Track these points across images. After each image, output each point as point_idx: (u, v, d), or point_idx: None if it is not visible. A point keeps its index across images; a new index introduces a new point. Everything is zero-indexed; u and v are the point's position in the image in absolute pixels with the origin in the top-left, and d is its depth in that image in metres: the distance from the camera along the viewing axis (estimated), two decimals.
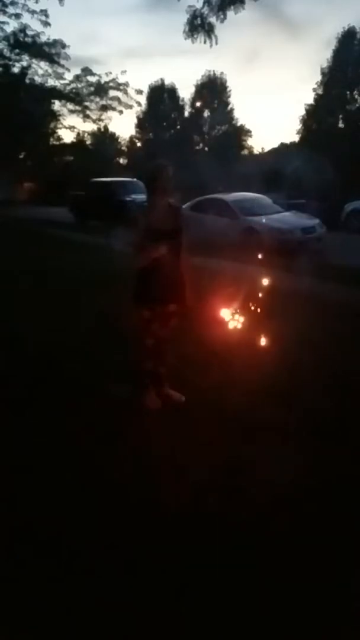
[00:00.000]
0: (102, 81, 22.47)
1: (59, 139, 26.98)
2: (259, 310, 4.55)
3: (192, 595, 2.00)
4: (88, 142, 31.11)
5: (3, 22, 20.34)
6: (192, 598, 1.99)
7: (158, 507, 2.49)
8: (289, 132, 42.73)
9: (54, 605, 1.96)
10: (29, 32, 20.55)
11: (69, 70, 22.27)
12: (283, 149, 29.59)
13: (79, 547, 2.24)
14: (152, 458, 2.91)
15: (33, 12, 19.89)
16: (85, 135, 28.87)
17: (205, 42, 8.34)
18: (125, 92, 22.58)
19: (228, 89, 36.50)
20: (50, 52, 21.45)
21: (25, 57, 21.36)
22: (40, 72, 21.98)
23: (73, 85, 22.71)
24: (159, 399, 3.52)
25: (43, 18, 20.14)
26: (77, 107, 22.97)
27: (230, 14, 7.99)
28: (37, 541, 2.28)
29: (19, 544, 2.28)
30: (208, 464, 2.84)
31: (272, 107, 53.73)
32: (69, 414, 3.41)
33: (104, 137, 33.17)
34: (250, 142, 38.56)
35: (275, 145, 33.58)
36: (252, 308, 4.59)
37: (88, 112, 23.06)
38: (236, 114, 36.92)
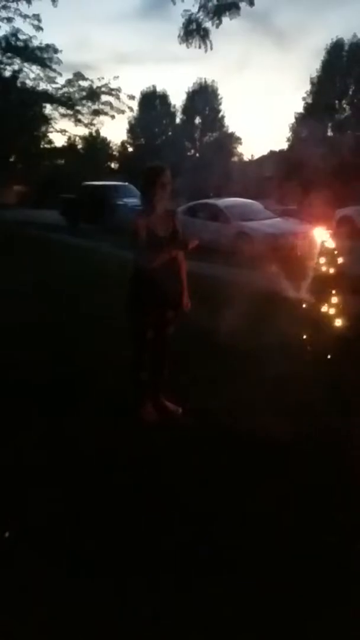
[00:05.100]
0: (94, 86, 22.50)
1: (50, 142, 26.87)
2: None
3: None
4: (79, 146, 31.07)
5: None
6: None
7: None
8: (278, 139, 43.37)
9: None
10: (21, 37, 20.50)
11: (60, 74, 22.25)
12: (273, 156, 29.87)
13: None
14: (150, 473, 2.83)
15: (25, 16, 19.87)
16: (77, 139, 28.83)
17: (200, 47, 8.38)
18: (117, 97, 22.57)
19: (219, 97, 36.90)
20: (42, 56, 21.42)
21: (17, 61, 21.32)
22: (32, 76, 21.94)
23: (65, 89, 22.70)
24: (155, 411, 3.38)
25: (35, 22, 20.12)
26: (69, 111, 22.90)
27: (222, 23, 8.06)
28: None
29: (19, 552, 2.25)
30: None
31: (262, 115, 54.30)
32: (62, 425, 3.29)
33: (96, 142, 33.14)
34: (240, 149, 38.92)
35: (265, 152, 33.89)
36: None
37: (80, 116, 22.99)
38: (226, 121, 37.36)
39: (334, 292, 4.57)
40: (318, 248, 4.62)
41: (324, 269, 4.56)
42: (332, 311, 4.60)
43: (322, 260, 4.55)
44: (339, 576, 2.10)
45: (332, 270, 4.53)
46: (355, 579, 2.09)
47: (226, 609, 1.94)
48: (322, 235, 4.66)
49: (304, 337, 4.57)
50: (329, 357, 4.30)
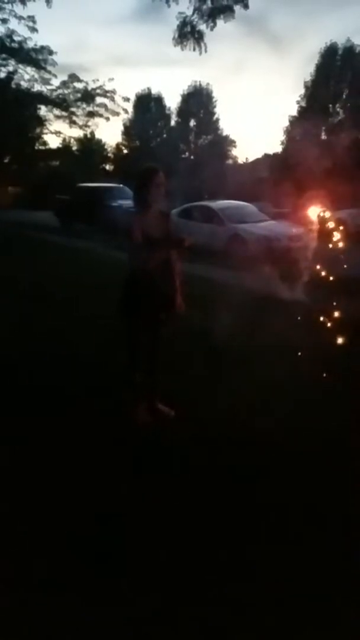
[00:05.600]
0: (89, 88, 22.49)
1: (44, 143, 26.78)
2: None
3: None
4: (74, 148, 30.99)
5: None
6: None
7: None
8: (272, 143, 43.52)
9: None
10: (16, 38, 20.48)
11: (55, 76, 22.20)
12: (267, 159, 30.01)
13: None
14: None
15: (20, 17, 19.87)
16: (72, 141, 28.76)
17: (194, 49, 8.40)
18: (112, 99, 22.56)
19: (214, 100, 37.03)
20: (36, 57, 21.39)
21: (12, 62, 21.29)
22: (27, 77, 21.90)
23: (60, 91, 22.67)
24: (148, 414, 3.37)
25: (30, 24, 20.13)
26: (64, 113, 22.86)
27: (218, 26, 8.10)
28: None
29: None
30: None
31: (257, 118, 54.58)
32: (55, 426, 3.27)
33: (90, 143, 33.10)
34: (234, 151, 39.04)
35: (259, 155, 34.04)
36: None
37: (74, 118, 22.96)
38: (221, 124, 37.49)
39: (332, 293, 4.61)
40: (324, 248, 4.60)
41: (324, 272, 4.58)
42: (328, 312, 4.62)
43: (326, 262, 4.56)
44: (339, 576, 2.11)
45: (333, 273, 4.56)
46: (355, 578, 2.09)
47: (226, 608, 1.94)
48: (330, 236, 4.61)
49: (300, 338, 4.59)
50: (325, 357, 4.32)
